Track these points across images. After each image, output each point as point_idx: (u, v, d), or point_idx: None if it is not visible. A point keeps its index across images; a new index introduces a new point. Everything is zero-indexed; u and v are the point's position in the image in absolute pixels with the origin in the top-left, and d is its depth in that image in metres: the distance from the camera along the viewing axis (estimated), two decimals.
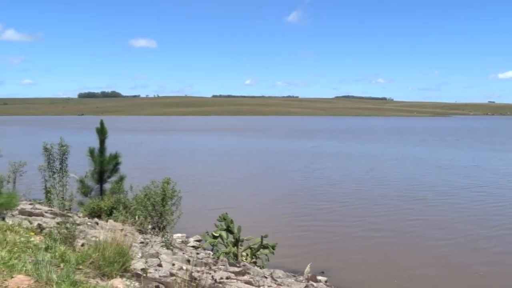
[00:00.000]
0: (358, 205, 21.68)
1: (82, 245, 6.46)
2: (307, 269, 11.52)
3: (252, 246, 12.37)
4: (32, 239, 6.04)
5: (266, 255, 12.25)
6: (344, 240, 16.22)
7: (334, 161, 40.26)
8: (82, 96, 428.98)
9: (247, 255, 12.30)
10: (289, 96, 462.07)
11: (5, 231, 6.13)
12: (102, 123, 15.69)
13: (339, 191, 25.36)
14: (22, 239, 5.73)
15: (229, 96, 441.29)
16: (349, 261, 13.98)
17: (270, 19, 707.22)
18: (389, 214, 19.84)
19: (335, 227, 17.82)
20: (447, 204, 21.98)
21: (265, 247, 12.23)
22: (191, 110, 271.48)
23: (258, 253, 12.28)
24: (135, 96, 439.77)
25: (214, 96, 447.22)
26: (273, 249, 12.26)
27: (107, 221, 12.25)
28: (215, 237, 12.52)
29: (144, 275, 5.58)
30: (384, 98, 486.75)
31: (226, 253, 11.69)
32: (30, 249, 5.27)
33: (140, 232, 11.51)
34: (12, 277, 4.12)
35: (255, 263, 11.99)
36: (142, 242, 9.35)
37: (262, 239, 12.21)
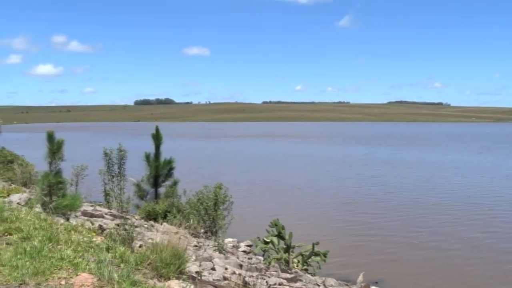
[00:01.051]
0: (417, 215, 20.73)
1: (140, 246, 6.68)
2: (360, 278, 11.23)
3: (303, 253, 12.25)
4: (94, 239, 6.33)
5: (318, 262, 12.07)
6: (401, 251, 15.54)
7: (389, 168, 38.98)
8: (138, 103, 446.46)
9: (298, 261, 12.20)
10: (339, 102, 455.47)
11: (70, 231, 6.47)
12: (157, 129, 16.23)
13: (396, 200, 24.47)
14: (85, 239, 6.01)
15: (279, 102, 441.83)
16: (406, 273, 13.38)
17: (321, 24, 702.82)
18: (452, 226, 18.75)
19: (391, 237, 17.18)
20: None
21: (316, 254, 12.07)
22: (242, 116, 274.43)
23: (310, 260, 12.14)
24: (187, 103, 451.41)
25: (264, 102, 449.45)
26: (325, 256, 12.07)
27: (161, 224, 12.62)
28: (266, 243, 12.52)
29: (199, 278, 5.67)
30: (440, 103, 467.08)
31: (278, 259, 11.65)
32: (93, 249, 5.51)
33: (193, 235, 11.74)
34: (77, 275, 4.33)
35: (306, 270, 11.86)
36: (195, 246, 9.54)
37: (313, 246, 12.06)
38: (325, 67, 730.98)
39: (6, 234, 5.68)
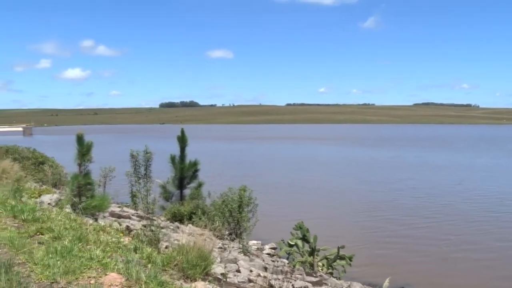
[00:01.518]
0: (446, 221, 20.09)
1: (166, 247, 6.75)
2: (386, 283, 11.04)
3: (328, 256, 12.14)
4: (122, 240, 6.43)
5: (343, 266, 11.94)
6: (428, 258, 15.06)
7: (418, 172, 38.06)
8: (163, 105, 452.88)
9: (323, 265, 12.10)
10: (364, 104, 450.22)
11: (98, 231, 6.60)
12: (182, 132, 16.41)
13: (424, 205, 23.80)
14: (113, 239, 6.11)
15: (302, 105, 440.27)
16: (434, 282, 13.01)
17: (345, 26, 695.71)
18: (483, 233, 18.05)
19: (418, 243, 16.70)
20: None
21: (341, 258, 11.93)
22: (265, 118, 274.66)
23: (335, 264, 12.02)
24: (211, 105, 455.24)
25: (287, 105, 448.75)
26: (350, 260, 11.93)
27: (187, 225, 12.74)
28: (290, 246, 12.47)
29: (224, 279, 5.69)
30: (468, 105, 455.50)
31: (302, 262, 11.58)
32: (121, 249, 5.60)
33: (218, 237, 11.79)
34: (106, 275, 4.41)
35: (331, 274, 11.75)
36: (220, 248, 9.58)
37: (338, 249, 11.94)
38: (350, 69, 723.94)
39: (38, 233, 5.84)
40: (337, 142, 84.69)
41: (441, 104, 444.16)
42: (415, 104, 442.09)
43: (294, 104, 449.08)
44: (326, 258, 12.13)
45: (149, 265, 4.98)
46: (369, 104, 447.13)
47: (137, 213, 13.36)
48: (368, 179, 33.59)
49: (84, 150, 8.58)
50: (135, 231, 7.72)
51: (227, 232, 12.79)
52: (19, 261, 4.66)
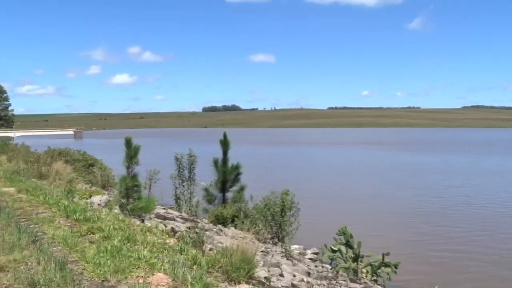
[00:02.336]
0: (502, 231, 18.87)
1: (210, 249, 6.84)
2: None
3: (373, 263, 11.85)
4: (168, 241, 6.58)
5: (388, 273, 11.61)
6: (482, 269, 14.20)
7: (469, 178, 36.15)
8: (206, 109, 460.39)
9: (367, 272, 11.82)
10: (409, 107, 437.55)
11: (145, 232, 6.79)
12: (225, 135, 16.60)
13: (478, 213, 22.50)
14: (159, 240, 6.27)
15: (345, 108, 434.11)
16: None
17: (390, 27, 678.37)
18: None
19: (471, 253, 15.79)
20: None
21: (387, 265, 11.61)
22: (307, 122, 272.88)
23: (379, 271, 11.71)
24: (253, 109, 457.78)
25: (329, 108, 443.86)
26: (396, 268, 11.57)
27: (229, 228, 12.85)
28: (333, 251, 12.28)
29: (268, 283, 5.69)
30: None
31: (346, 268, 11.38)
32: (166, 250, 5.73)
33: (260, 241, 11.81)
34: (153, 275, 4.52)
35: (376, 281, 11.46)
36: (263, 251, 9.58)
37: (383, 256, 11.63)
38: (394, 71, 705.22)
39: (89, 233, 6.09)
40: (382, 146, 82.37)
41: (492, 107, 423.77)
42: (464, 107, 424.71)
43: (336, 108, 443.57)
44: (371, 265, 11.85)
45: (194, 267, 5.06)
46: (414, 107, 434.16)
47: (181, 215, 13.63)
48: (415, 185, 32.26)
49: (132, 153, 8.86)
50: (179, 232, 7.87)
51: (269, 236, 12.79)
52: (72, 259, 4.87)
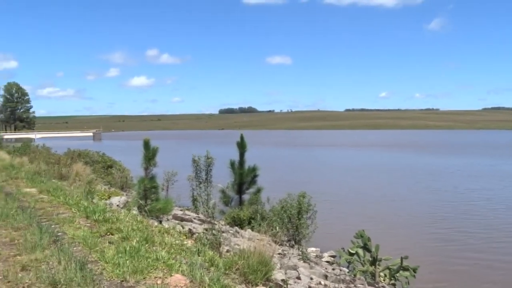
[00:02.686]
0: None
1: (227, 251, 6.85)
2: None
3: (391, 266, 11.70)
4: (185, 242, 6.63)
5: (407, 277, 11.44)
6: (507, 278, 13.82)
7: (492, 181, 35.25)
8: (222, 112, 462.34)
9: (385, 275, 11.68)
10: (428, 109, 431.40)
11: (163, 233, 6.85)
12: (242, 137, 16.63)
13: (503, 217, 21.92)
14: (177, 241, 6.31)
15: (362, 110, 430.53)
16: None
17: (408, 28, 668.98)
18: None
19: (495, 260, 15.39)
20: None
21: (405, 269, 11.45)
22: (324, 124, 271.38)
23: (398, 274, 11.56)
24: (269, 111, 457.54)
25: (347, 110, 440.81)
26: (415, 272, 11.40)
27: (246, 230, 12.86)
28: (351, 254, 12.17)
29: (285, 286, 5.66)
30: None
31: (363, 272, 11.26)
32: (184, 252, 5.76)
33: (277, 243, 11.78)
34: (171, 276, 4.55)
35: (394, 285, 11.32)
36: (279, 254, 9.56)
37: (402, 260, 11.47)
38: (413, 72, 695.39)
39: (108, 233, 6.17)
40: (400, 148, 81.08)
41: None
42: (484, 109, 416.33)
43: (353, 110, 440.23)
44: (389, 269, 11.70)
45: (212, 268, 5.08)
46: (433, 109, 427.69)
47: (198, 217, 13.70)
48: (436, 188, 31.65)
49: (150, 155, 8.95)
50: (197, 234, 7.91)
51: (286, 239, 12.76)
52: (92, 259, 4.94)
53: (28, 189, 10.35)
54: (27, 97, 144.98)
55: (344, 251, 12.57)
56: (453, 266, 14.88)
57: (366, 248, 12.10)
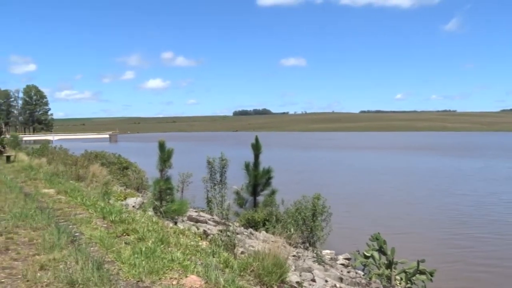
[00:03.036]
0: None
1: (242, 253, 6.85)
2: None
3: (407, 270, 11.56)
4: (200, 243, 6.66)
5: (423, 281, 11.29)
6: None
7: None
8: (237, 113, 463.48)
9: (401, 279, 11.54)
10: (445, 110, 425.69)
11: (178, 234, 6.89)
12: (257, 139, 16.66)
13: None
14: (192, 243, 6.34)
15: (378, 112, 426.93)
16: None
17: (424, 29, 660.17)
18: None
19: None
20: None
21: (422, 272, 11.29)
22: (338, 126, 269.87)
23: (414, 278, 11.41)
24: (284, 113, 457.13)
25: (361, 112, 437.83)
26: (431, 276, 11.24)
27: (260, 232, 12.85)
28: (366, 257, 12.06)
29: None
30: None
31: (379, 275, 11.15)
32: (199, 253, 5.78)
33: (291, 245, 11.75)
34: (186, 277, 4.57)
35: None
36: (294, 256, 9.53)
37: (418, 263, 11.32)
38: (429, 74, 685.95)
39: (124, 234, 6.23)
40: (417, 151, 79.72)
41: None
42: (502, 110, 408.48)
43: (368, 111, 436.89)
44: (405, 272, 11.56)
45: (226, 270, 5.08)
46: (450, 111, 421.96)
47: (213, 218, 13.75)
48: (454, 192, 30.93)
49: (165, 156, 9.02)
50: (211, 235, 7.94)
51: (300, 241, 12.71)
52: (108, 260, 5.00)
53: (46, 190, 10.52)
54: (45, 100, 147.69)
55: (359, 253, 12.47)
56: (473, 272, 14.50)
57: (381, 251, 11.98)
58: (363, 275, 11.43)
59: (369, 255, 12.02)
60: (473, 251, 16.69)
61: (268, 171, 16.71)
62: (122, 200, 10.77)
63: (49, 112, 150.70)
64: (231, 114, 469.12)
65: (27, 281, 4.28)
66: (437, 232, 19.55)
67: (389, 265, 11.50)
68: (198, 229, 8.91)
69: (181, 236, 6.78)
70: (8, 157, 20.38)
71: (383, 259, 11.86)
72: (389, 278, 11.19)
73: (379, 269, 11.57)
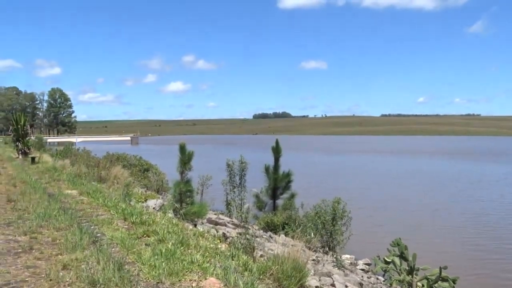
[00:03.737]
0: None
1: (261, 256, 6.83)
2: None
3: (429, 276, 11.32)
4: (219, 246, 6.66)
5: None
6: None
7: None
8: (256, 116, 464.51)
9: (422, 286, 11.31)
10: (468, 114, 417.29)
11: (198, 237, 6.91)
12: (277, 142, 16.63)
13: None
14: (212, 245, 6.35)
15: (399, 115, 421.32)
16: None
17: (448, 31, 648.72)
18: None
19: None
20: None
21: (444, 279, 11.04)
22: (359, 129, 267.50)
23: (436, 285, 11.16)
24: (304, 116, 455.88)
25: (382, 115, 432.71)
26: (454, 283, 10.98)
27: (279, 235, 12.80)
28: (387, 263, 11.87)
29: None
30: None
31: (400, 281, 10.96)
32: (218, 255, 5.78)
33: (310, 249, 11.66)
34: (206, 279, 4.57)
35: None
36: (313, 260, 9.45)
37: (441, 270, 11.07)
38: (452, 77, 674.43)
39: (145, 235, 6.28)
40: (440, 155, 78.09)
41: None
42: None
43: (389, 115, 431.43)
44: (427, 279, 11.32)
45: (246, 273, 5.06)
46: (474, 115, 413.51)
47: (232, 221, 13.77)
48: (480, 197, 30.08)
49: (185, 159, 9.08)
50: (231, 238, 7.94)
51: (319, 245, 12.61)
52: (129, 260, 5.05)
53: (69, 191, 10.72)
54: (69, 102, 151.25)
55: (379, 259, 12.28)
56: (498, 280, 14.10)
57: (403, 256, 11.77)
58: (384, 281, 11.26)
59: (389, 260, 11.82)
60: (500, 262, 16.09)
61: (288, 175, 16.66)
62: (142, 202, 10.88)
63: (73, 115, 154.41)
64: (251, 117, 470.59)
65: (50, 280, 4.35)
66: (460, 240, 19.06)
67: (411, 271, 11.28)
68: (217, 231, 8.93)
69: (200, 238, 6.79)
70: (33, 158, 20.84)
71: (404, 265, 11.65)
72: (410, 285, 10.98)
73: (400, 275, 11.37)
